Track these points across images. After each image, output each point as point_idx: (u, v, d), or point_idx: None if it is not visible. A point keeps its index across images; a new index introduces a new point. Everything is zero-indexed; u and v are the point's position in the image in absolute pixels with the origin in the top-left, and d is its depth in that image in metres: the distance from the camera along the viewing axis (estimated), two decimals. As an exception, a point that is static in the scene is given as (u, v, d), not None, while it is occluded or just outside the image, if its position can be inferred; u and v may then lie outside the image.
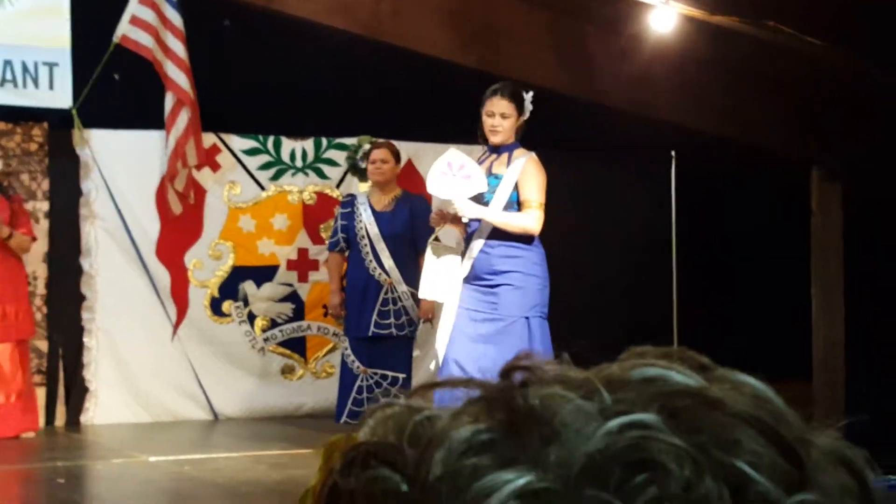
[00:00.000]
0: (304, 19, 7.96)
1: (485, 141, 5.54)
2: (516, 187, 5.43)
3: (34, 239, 7.34)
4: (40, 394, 7.65)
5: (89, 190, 7.84)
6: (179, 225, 7.96)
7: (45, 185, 7.78)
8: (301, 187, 8.33)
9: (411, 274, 7.13)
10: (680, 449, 0.47)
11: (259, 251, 8.23)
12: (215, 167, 8.11)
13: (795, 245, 8.57)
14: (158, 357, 7.94)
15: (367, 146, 7.66)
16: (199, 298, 8.07)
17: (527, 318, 5.35)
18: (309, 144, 8.37)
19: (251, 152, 8.22)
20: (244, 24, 8.10)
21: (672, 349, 0.52)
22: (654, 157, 9.16)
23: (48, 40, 7.50)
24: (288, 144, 8.32)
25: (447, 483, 0.48)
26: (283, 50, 8.15)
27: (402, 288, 7.16)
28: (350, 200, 7.41)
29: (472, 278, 5.40)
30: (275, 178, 8.27)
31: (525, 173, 5.43)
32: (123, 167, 7.87)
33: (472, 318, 5.37)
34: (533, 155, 5.54)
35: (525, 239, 5.40)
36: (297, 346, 8.31)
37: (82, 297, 7.83)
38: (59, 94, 7.58)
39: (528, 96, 5.52)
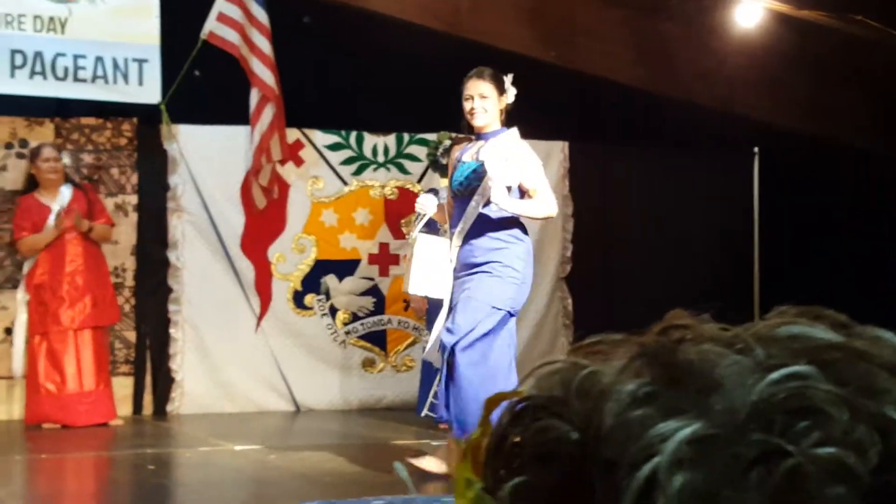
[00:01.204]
0: (386, 15, 8.05)
1: (469, 130, 5.34)
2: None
3: (112, 225, 7.53)
4: (128, 384, 7.81)
5: (176, 184, 7.99)
6: (263, 219, 8.08)
7: (134, 179, 7.95)
8: (383, 182, 8.41)
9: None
10: (838, 397, 0.51)
11: (341, 245, 8.32)
12: (299, 162, 8.22)
13: (880, 241, 8.47)
14: (242, 349, 8.06)
15: (447, 142, 7.69)
16: (282, 291, 8.19)
17: (495, 307, 5.10)
18: (391, 140, 8.44)
19: (334, 147, 8.32)
20: (326, 21, 8.20)
21: (811, 308, 0.57)
22: (736, 154, 9.09)
23: (138, 37, 7.65)
24: (370, 140, 8.41)
25: (619, 432, 0.52)
26: (366, 46, 8.23)
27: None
28: (432, 195, 7.44)
29: (457, 272, 5.22)
30: (357, 173, 8.36)
31: (520, 161, 5.18)
32: (209, 162, 8.01)
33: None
34: (520, 140, 5.27)
35: (510, 232, 5.19)
36: (377, 339, 8.40)
37: (169, 290, 7.99)
38: (148, 90, 7.74)
39: (509, 78, 5.33)
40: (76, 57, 7.56)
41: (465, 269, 5.16)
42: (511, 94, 5.32)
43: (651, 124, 8.76)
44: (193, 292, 7.99)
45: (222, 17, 7.67)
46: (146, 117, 7.94)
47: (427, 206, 5.63)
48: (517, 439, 0.55)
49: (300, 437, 7.03)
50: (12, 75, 7.43)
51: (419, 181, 8.44)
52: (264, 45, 7.73)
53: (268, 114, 7.80)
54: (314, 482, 5.20)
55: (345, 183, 8.33)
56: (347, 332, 8.33)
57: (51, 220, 7.28)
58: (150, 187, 7.95)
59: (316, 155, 8.28)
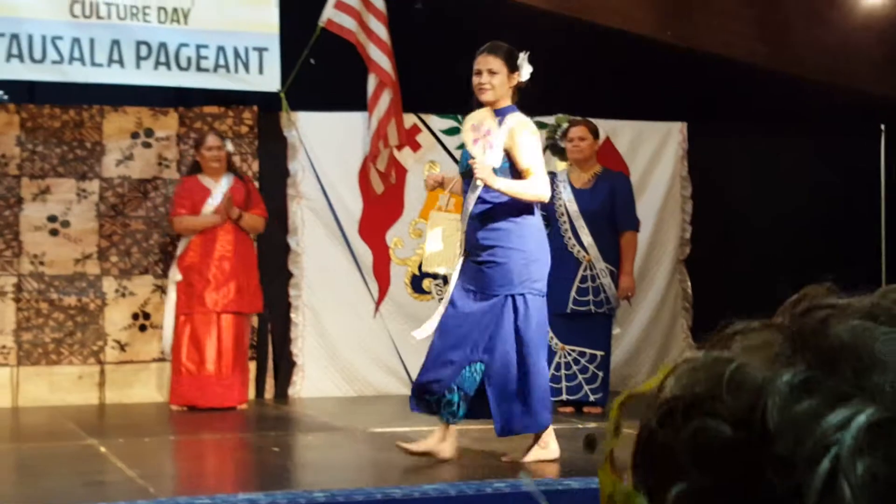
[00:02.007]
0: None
1: (479, 106, 5.24)
2: (506, 155, 5.12)
3: (266, 218, 7.67)
4: (251, 367, 7.96)
5: (296, 170, 8.11)
6: (381, 204, 8.15)
7: (255, 166, 8.09)
8: (499, 166, 8.41)
9: (610, 251, 7.13)
10: None
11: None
12: (416, 147, 8.27)
13: None
14: (361, 333, 8.15)
15: (565, 124, 7.67)
16: (399, 276, 8.25)
17: (512, 296, 5.08)
18: (507, 123, 8.43)
19: (450, 132, 8.35)
20: (442, 4, 8.22)
21: None
22: (861, 131, 8.89)
23: (258, 26, 7.77)
24: (487, 124, 8.40)
25: (788, 428, 0.50)
26: (481, 28, 8.23)
27: (601, 265, 7.14)
28: (550, 178, 7.40)
29: (466, 250, 5.20)
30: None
31: (514, 140, 5.08)
32: (328, 148, 8.10)
33: (465, 291, 5.16)
34: (522, 118, 5.17)
35: (510, 212, 5.11)
36: (495, 323, 8.40)
37: (290, 274, 8.11)
38: (268, 79, 7.86)
39: (524, 56, 5.20)
40: (199, 47, 7.72)
41: (473, 251, 5.14)
42: (525, 71, 5.20)
43: (771, 102, 8.61)
44: (313, 277, 8.11)
45: (340, 5, 7.75)
46: (266, 105, 8.06)
47: (432, 184, 5.47)
48: (667, 441, 0.53)
49: (421, 420, 7.06)
50: (138, 66, 7.61)
51: (535, 164, 8.43)
52: (381, 30, 7.79)
53: (385, 99, 7.86)
54: (436, 463, 5.23)
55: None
56: (465, 316, 8.35)
57: (210, 205, 7.47)
58: (271, 174, 8.08)
59: (433, 139, 8.32)
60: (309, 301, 8.11)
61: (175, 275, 7.56)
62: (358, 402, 7.92)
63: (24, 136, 7.75)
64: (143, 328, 7.86)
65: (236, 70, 7.80)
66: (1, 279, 7.67)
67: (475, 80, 5.16)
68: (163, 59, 7.68)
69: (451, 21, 8.19)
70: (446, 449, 5.22)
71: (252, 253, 7.69)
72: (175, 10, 7.68)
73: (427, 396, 5.24)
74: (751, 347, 0.54)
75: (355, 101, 8.01)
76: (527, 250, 5.10)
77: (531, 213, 5.18)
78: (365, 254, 8.17)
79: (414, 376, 8.18)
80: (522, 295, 5.08)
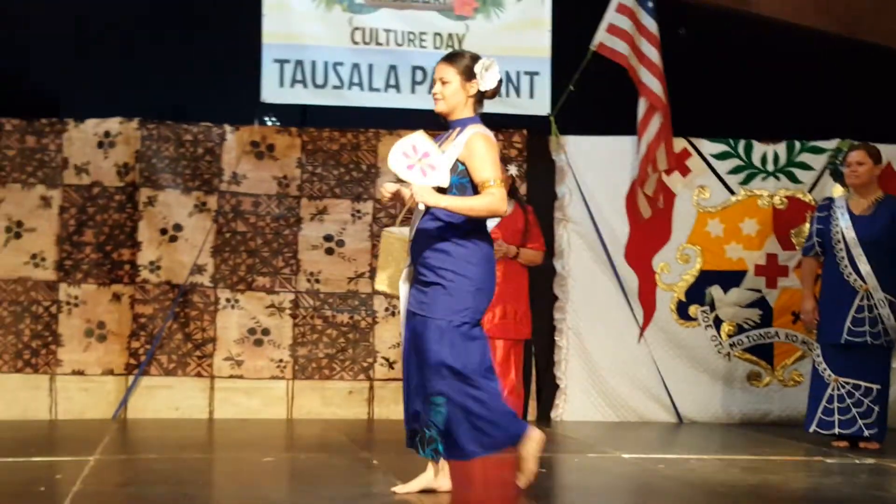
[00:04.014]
0: (776, 19, 7.86)
1: (446, 119, 4.92)
2: (458, 168, 4.75)
3: (544, 252, 7.62)
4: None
5: (564, 194, 8.14)
6: (648, 228, 8.09)
7: (523, 189, 8.17)
8: (772, 192, 8.22)
9: (890, 280, 6.83)
10: None
11: (727, 255, 8.19)
12: (685, 171, 8.17)
13: None
14: (625, 358, 8.10)
15: (845, 149, 7.42)
16: (665, 301, 8.16)
17: (450, 322, 4.73)
18: (781, 148, 8.24)
19: (721, 156, 8.21)
20: (712, 27, 8.12)
21: None
22: None
23: (531, 50, 7.88)
24: (759, 148, 8.23)
25: None
26: (754, 52, 8.08)
27: (879, 295, 6.84)
28: (827, 204, 7.17)
29: (414, 272, 4.89)
30: (745, 182, 8.21)
31: (471, 151, 4.73)
32: (596, 172, 8.11)
33: (411, 314, 4.85)
34: (480, 129, 4.80)
35: (460, 233, 4.76)
36: (763, 352, 8.20)
37: (555, 298, 8.14)
38: (538, 102, 7.95)
39: (486, 62, 4.84)
40: (471, 71, 7.86)
41: (420, 270, 4.83)
42: (487, 81, 4.84)
43: None
44: (578, 301, 8.11)
45: (612, 28, 7.76)
46: (535, 128, 8.14)
47: (384, 196, 5.04)
48: None
49: (687, 447, 6.96)
50: (413, 91, 7.84)
51: (810, 190, 8.19)
52: (653, 54, 7.75)
53: (655, 123, 7.81)
54: (708, 493, 5.13)
55: (732, 192, 8.21)
56: (732, 345, 8.19)
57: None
58: (539, 197, 8.14)
59: (703, 164, 8.20)
60: (573, 325, 8.12)
61: None
62: (620, 427, 7.86)
63: (305, 159, 8.10)
64: (411, 346, 8.04)
65: (507, 94, 7.92)
66: (280, 296, 8.01)
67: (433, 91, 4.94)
68: (437, 84, 7.87)
69: (724, 43, 8.07)
70: (444, 482, 5.02)
71: (523, 280, 7.60)
72: (450, 35, 7.88)
73: (415, 426, 4.92)
74: None
75: (623, 124, 7.99)
76: (474, 277, 4.79)
77: (483, 237, 4.86)
78: (630, 278, 8.12)
79: (679, 404, 8.10)
80: (462, 324, 4.76)
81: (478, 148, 4.74)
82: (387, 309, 8.07)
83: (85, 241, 7.89)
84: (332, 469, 5.74)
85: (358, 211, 8.10)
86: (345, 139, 8.12)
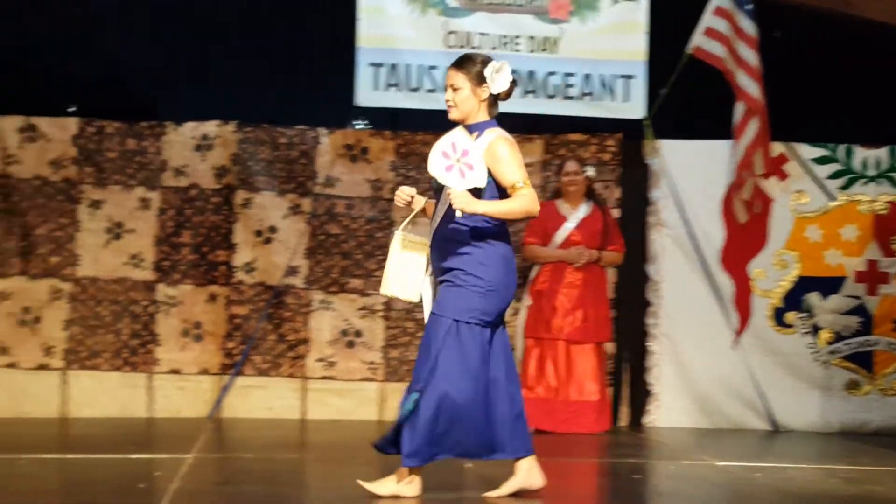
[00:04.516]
0: (877, 21, 7.71)
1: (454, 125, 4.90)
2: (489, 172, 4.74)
3: (624, 253, 7.70)
4: (608, 394, 7.96)
5: (658, 198, 8.07)
6: (744, 234, 7.98)
7: (617, 193, 8.12)
8: (873, 197, 8.07)
9: None
10: None
11: (825, 262, 8.06)
12: (782, 176, 8.05)
13: None
14: (719, 365, 8.00)
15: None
16: (761, 308, 8.04)
17: (456, 321, 4.71)
18: (882, 153, 8.09)
19: (820, 161, 8.08)
20: (813, 30, 7.99)
21: None
22: None
23: (625, 54, 7.82)
24: (860, 153, 8.09)
25: None
26: (856, 55, 7.94)
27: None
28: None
29: (434, 275, 4.88)
30: (845, 187, 8.07)
31: (494, 156, 4.73)
32: (691, 176, 8.03)
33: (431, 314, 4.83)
34: (499, 132, 4.80)
35: (477, 235, 4.74)
36: (863, 360, 8.05)
37: (648, 303, 8.07)
38: (633, 106, 7.89)
39: (496, 65, 4.78)
40: (566, 75, 7.85)
41: (438, 273, 4.85)
42: (498, 83, 4.80)
43: None
44: (671, 306, 8.04)
45: (709, 31, 7.67)
46: (629, 132, 8.08)
47: (401, 199, 5.00)
48: None
49: (784, 456, 6.85)
50: (507, 94, 7.82)
51: (916, 196, 8.05)
52: (751, 57, 7.64)
53: (752, 127, 7.70)
54: (808, 502, 5.04)
55: (831, 198, 8.07)
56: (830, 352, 8.04)
57: (563, 230, 7.59)
58: (632, 202, 8.09)
59: (801, 169, 8.08)
60: (667, 330, 8.04)
61: (526, 299, 7.71)
62: (713, 434, 7.77)
63: (398, 161, 8.13)
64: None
65: (601, 98, 7.87)
66: (372, 298, 8.05)
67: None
68: (531, 87, 7.87)
69: (824, 47, 7.95)
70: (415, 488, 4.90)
71: (603, 283, 7.72)
72: (545, 39, 7.86)
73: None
74: None
75: (717, 128, 7.90)
76: (486, 279, 4.76)
77: (501, 238, 4.84)
78: (725, 284, 8.02)
79: (775, 411, 7.97)
80: (470, 324, 4.74)
81: (501, 152, 4.74)
82: (478, 312, 8.06)
83: (182, 243, 8.01)
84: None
85: (451, 214, 8.11)
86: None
